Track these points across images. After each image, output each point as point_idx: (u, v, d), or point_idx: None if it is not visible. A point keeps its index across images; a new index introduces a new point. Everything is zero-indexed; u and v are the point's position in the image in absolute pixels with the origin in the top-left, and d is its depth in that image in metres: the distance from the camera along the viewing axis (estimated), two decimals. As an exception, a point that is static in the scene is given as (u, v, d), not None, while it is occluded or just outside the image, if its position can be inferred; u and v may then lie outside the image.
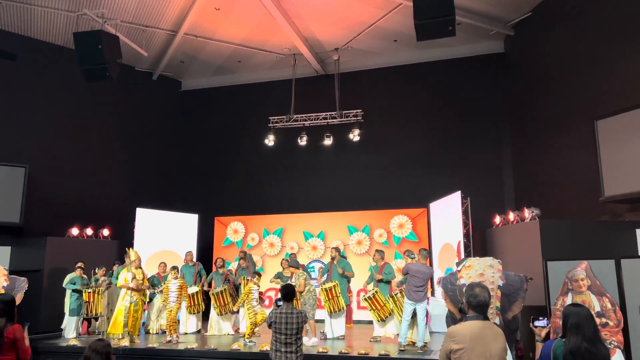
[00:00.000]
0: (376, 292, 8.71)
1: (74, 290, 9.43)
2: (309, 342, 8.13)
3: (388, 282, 8.92)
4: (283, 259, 10.44)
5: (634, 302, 5.75)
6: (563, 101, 10.20)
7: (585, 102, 9.47)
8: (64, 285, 9.48)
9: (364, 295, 8.96)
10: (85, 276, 9.67)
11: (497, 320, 6.23)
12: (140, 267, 9.12)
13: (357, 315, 11.48)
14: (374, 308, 8.68)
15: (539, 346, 3.65)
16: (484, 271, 6.61)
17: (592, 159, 8.64)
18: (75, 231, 10.85)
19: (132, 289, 8.69)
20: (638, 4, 8.53)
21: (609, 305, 5.86)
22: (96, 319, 9.85)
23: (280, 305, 5.39)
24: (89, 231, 11.11)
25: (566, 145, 9.97)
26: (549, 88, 10.69)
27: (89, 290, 9.39)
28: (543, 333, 3.75)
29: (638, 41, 8.48)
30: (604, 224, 8.41)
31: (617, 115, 8.27)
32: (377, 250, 9.34)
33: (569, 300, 6.10)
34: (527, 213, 8.29)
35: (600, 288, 6.02)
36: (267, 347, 7.13)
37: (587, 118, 8.91)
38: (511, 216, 8.88)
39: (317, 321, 8.90)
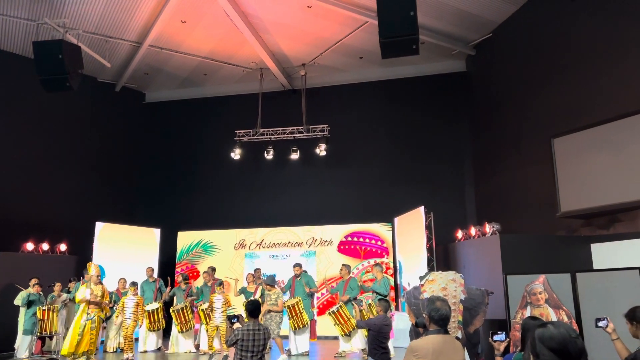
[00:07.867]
0: (340, 306, 8.70)
1: (28, 308, 9.04)
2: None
3: (354, 298, 8.92)
4: (249, 274, 10.31)
5: (589, 315, 5.90)
6: (521, 120, 10.54)
7: (542, 121, 9.81)
8: (20, 304, 9.06)
9: (329, 310, 8.93)
10: (41, 293, 9.29)
11: (460, 334, 6.31)
12: (101, 283, 8.83)
13: (322, 330, 11.40)
14: (338, 322, 8.65)
15: (499, 360, 3.71)
16: (447, 285, 6.72)
17: (549, 175, 8.94)
18: (30, 246, 10.42)
19: (90, 303, 8.35)
20: (589, 28, 8.96)
21: (565, 318, 6.02)
22: (50, 338, 9.45)
23: (234, 322, 5.22)
24: (45, 246, 10.69)
25: (525, 163, 10.29)
26: (508, 107, 11.04)
27: (44, 308, 9.01)
28: (502, 347, 3.81)
29: (591, 64, 8.89)
30: (561, 238, 8.69)
31: (572, 133, 8.61)
32: (343, 265, 9.36)
33: (527, 313, 6.24)
34: (488, 228, 8.49)
35: (557, 301, 6.19)
36: (229, 365, 7.00)
37: (544, 136, 9.23)
38: (473, 231, 9.07)
39: (281, 337, 8.79)
